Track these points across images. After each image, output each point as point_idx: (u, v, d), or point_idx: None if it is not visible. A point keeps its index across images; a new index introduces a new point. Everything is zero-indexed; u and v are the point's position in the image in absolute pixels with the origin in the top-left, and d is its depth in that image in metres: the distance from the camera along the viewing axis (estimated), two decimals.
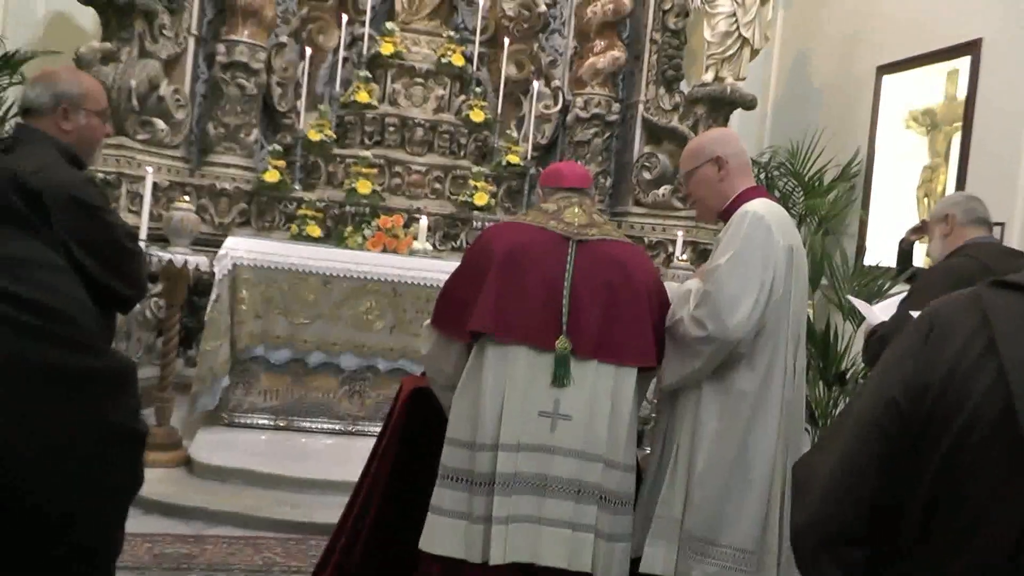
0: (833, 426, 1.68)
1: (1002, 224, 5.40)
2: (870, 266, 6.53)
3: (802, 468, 1.69)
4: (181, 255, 5.50)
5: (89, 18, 7.31)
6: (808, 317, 5.66)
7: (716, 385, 3.02)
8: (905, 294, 3.95)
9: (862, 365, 4.94)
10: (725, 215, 3.20)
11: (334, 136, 7.84)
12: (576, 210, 3.23)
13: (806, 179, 7.65)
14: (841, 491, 1.57)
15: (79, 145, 3.14)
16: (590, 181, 3.47)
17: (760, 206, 3.08)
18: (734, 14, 7.58)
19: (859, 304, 4.22)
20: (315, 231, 7.22)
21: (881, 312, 3.97)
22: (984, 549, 1.40)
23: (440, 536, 3.00)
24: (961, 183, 6.15)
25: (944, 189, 6.35)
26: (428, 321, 3.29)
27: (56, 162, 2.94)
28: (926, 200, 6.58)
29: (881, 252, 6.70)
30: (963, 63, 6.32)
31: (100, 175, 6.64)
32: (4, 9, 7.52)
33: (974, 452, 1.41)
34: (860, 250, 7.09)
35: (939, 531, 1.46)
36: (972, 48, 6.23)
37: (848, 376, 5.38)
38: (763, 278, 2.94)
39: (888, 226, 6.89)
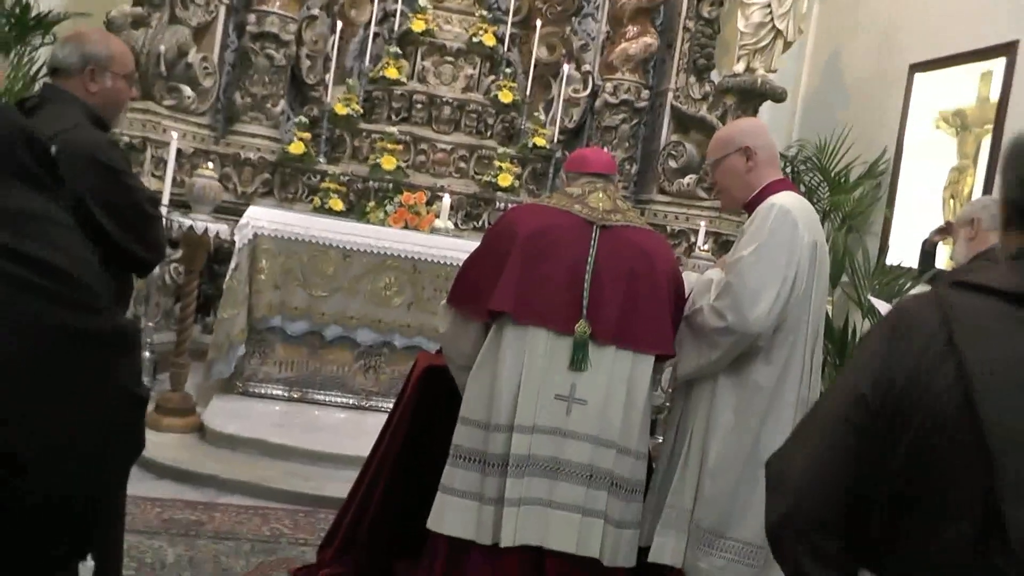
0: (805, 420, 1.73)
1: None
2: (892, 265, 6.49)
3: (776, 462, 1.71)
4: (202, 222, 5.50)
5: None
6: (827, 313, 5.64)
7: (732, 378, 3.01)
8: None
9: None
10: (750, 206, 3.17)
11: (361, 111, 7.83)
12: (601, 195, 3.22)
13: (832, 175, 7.61)
14: (814, 484, 1.62)
15: (104, 107, 3.13)
16: (615, 168, 3.45)
17: (787, 199, 3.05)
18: (769, 5, 7.52)
19: (880, 305, 4.18)
20: (338, 205, 7.22)
21: None
22: (948, 541, 1.45)
23: (450, 516, 3.01)
24: (989, 186, 6.10)
25: (971, 192, 6.30)
26: (445, 300, 3.29)
27: (81, 123, 2.93)
28: (952, 201, 6.53)
29: (904, 251, 6.66)
30: (998, 65, 6.26)
31: (125, 138, 6.65)
32: None
33: (935, 447, 1.47)
34: (883, 249, 7.04)
35: (906, 524, 1.52)
36: (1008, 50, 6.17)
37: None
38: (786, 273, 2.92)
39: (912, 226, 6.84)
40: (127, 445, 1.77)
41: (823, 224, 7.34)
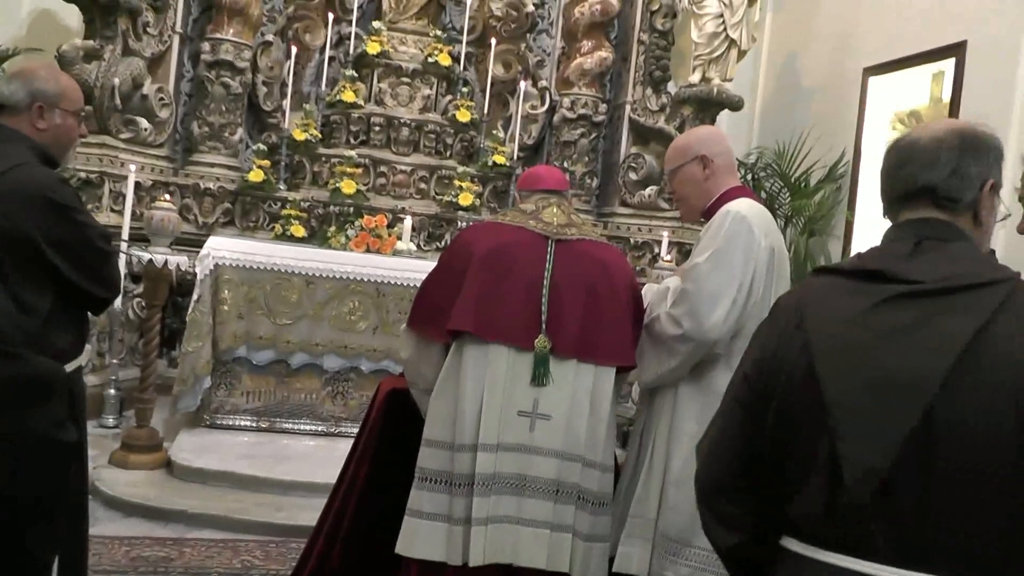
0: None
1: None
2: None
3: (698, 443, 2.00)
4: (161, 255, 5.46)
5: (73, 16, 7.27)
6: None
7: (693, 385, 3.00)
8: None
9: None
10: (708, 214, 3.17)
11: (319, 136, 7.82)
12: (555, 210, 3.21)
13: (792, 180, 7.65)
14: (712, 455, 1.92)
15: (53, 145, 3.05)
16: (567, 184, 3.45)
17: (743, 206, 3.05)
18: (721, 15, 7.57)
19: None
20: (299, 231, 7.18)
21: None
22: (810, 493, 1.67)
23: (420, 539, 2.97)
24: None
25: None
26: (405, 325, 3.26)
27: (28, 161, 2.86)
28: None
29: None
30: (948, 65, 6.32)
31: (83, 174, 6.61)
32: None
33: (793, 409, 1.72)
34: (846, 251, 7.08)
35: (785, 482, 1.74)
36: (957, 50, 6.23)
37: None
38: (742, 279, 2.92)
39: (874, 227, 6.87)
40: (50, 493, 1.72)
41: (785, 229, 7.47)
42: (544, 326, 2.99)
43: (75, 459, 1.89)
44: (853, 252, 6.85)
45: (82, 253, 2.89)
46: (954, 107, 6.21)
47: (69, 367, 2.89)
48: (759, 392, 1.80)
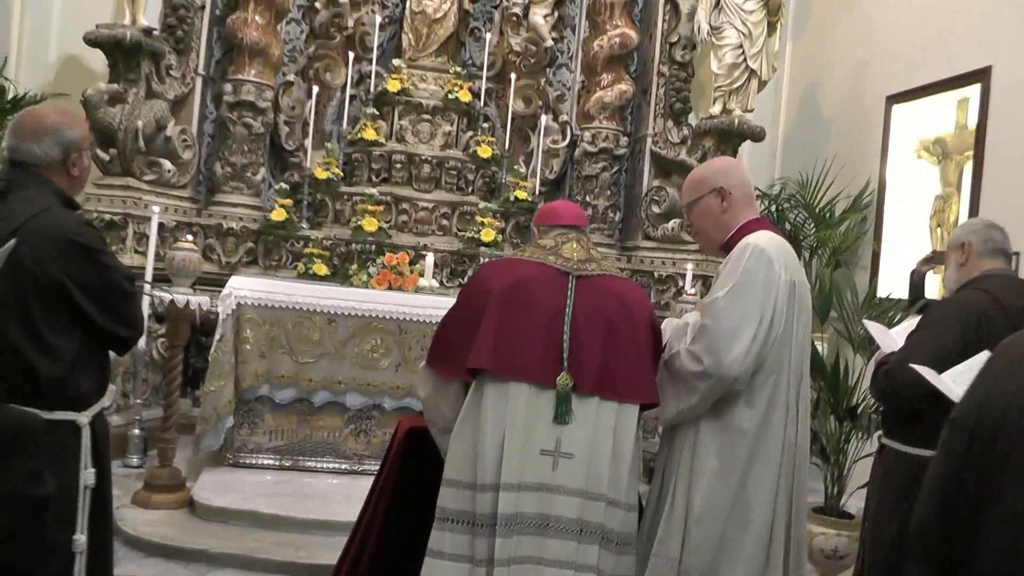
0: None
1: (1016, 254, 5.31)
2: (882, 298, 6.43)
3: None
4: (183, 295, 5.46)
5: (98, 60, 7.32)
6: (817, 350, 5.57)
7: (714, 422, 2.96)
8: (914, 327, 3.85)
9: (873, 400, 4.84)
10: (727, 247, 3.13)
11: (341, 174, 7.84)
12: (574, 245, 3.19)
13: (817, 211, 7.58)
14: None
15: (77, 185, 3.10)
16: (585, 219, 3.42)
17: (762, 239, 3.01)
18: (741, 46, 7.55)
19: (874, 329, 4.10)
20: (322, 269, 7.18)
21: (898, 337, 3.87)
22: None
23: None
24: (974, 212, 6.06)
25: (957, 219, 6.27)
26: (423, 363, 3.23)
27: (52, 206, 2.90)
28: (939, 230, 6.49)
29: (893, 283, 6.62)
30: (973, 91, 6.26)
31: (107, 216, 6.63)
32: (16, 51, 7.58)
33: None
34: (872, 282, 7.00)
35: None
36: (982, 76, 6.16)
37: (859, 411, 5.27)
38: (762, 313, 2.88)
39: (901, 257, 6.81)
40: (24, 550, 1.67)
41: (811, 261, 7.40)
42: (566, 363, 2.96)
43: (46, 512, 1.86)
44: (880, 283, 6.82)
45: (107, 295, 2.93)
46: (980, 133, 6.14)
47: (94, 409, 2.96)
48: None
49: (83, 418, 2.92)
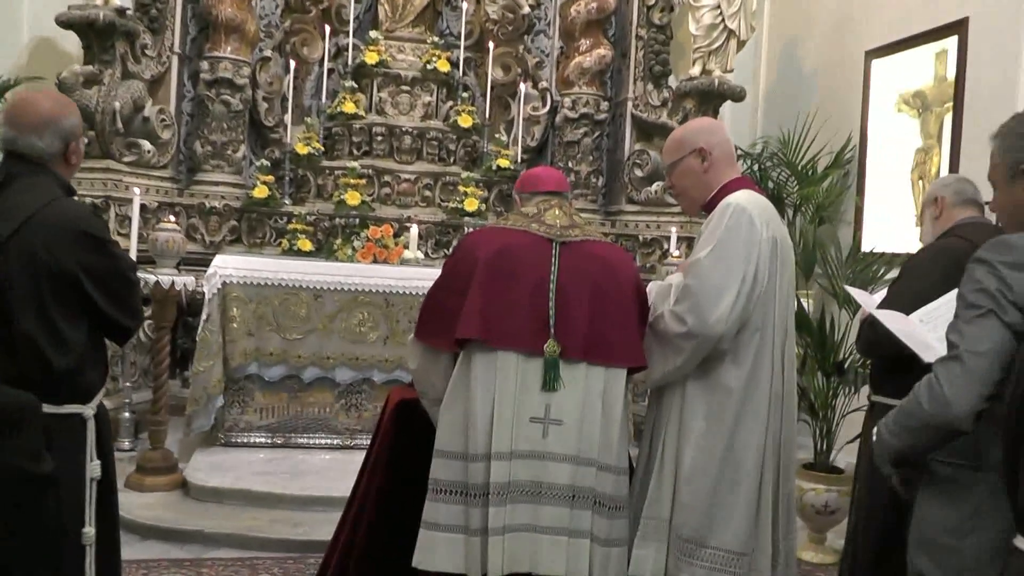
0: None
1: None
2: (866, 253, 6.45)
3: None
4: (168, 276, 5.45)
5: (72, 43, 7.24)
6: (803, 307, 5.59)
7: (701, 382, 2.97)
8: (896, 277, 3.88)
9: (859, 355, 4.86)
10: (709, 207, 3.14)
11: (322, 148, 7.79)
12: (557, 211, 3.19)
13: (799, 168, 7.58)
14: None
15: (73, 172, 3.10)
16: (567, 184, 3.42)
17: (743, 197, 3.02)
18: (719, 6, 7.51)
19: (856, 294, 4.13)
20: (306, 245, 7.15)
21: (879, 300, 3.90)
22: None
23: (439, 552, 2.94)
24: (954, 164, 6.08)
25: (938, 171, 6.28)
26: (412, 335, 3.24)
27: (58, 196, 2.91)
28: (921, 183, 6.50)
29: (877, 238, 6.63)
30: (951, 43, 6.25)
31: (88, 199, 6.59)
32: None
33: None
34: (857, 237, 7.01)
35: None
36: (959, 28, 6.15)
37: (846, 366, 5.30)
38: (745, 271, 2.89)
39: (884, 211, 6.82)
40: (30, 524, 1.69)
41: (795, 218, 7.41)
42: (552, 330, 2.97)
43: (51, 490, 1.90)
44: (865, 237, 6.84)
45: (116, 284, 2.95)
46: (959, 85, 6.13)
47: (96, 400, 2.99)
48: None
49: (88, 410, 2.94)
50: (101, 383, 3.04)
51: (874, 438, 2.42)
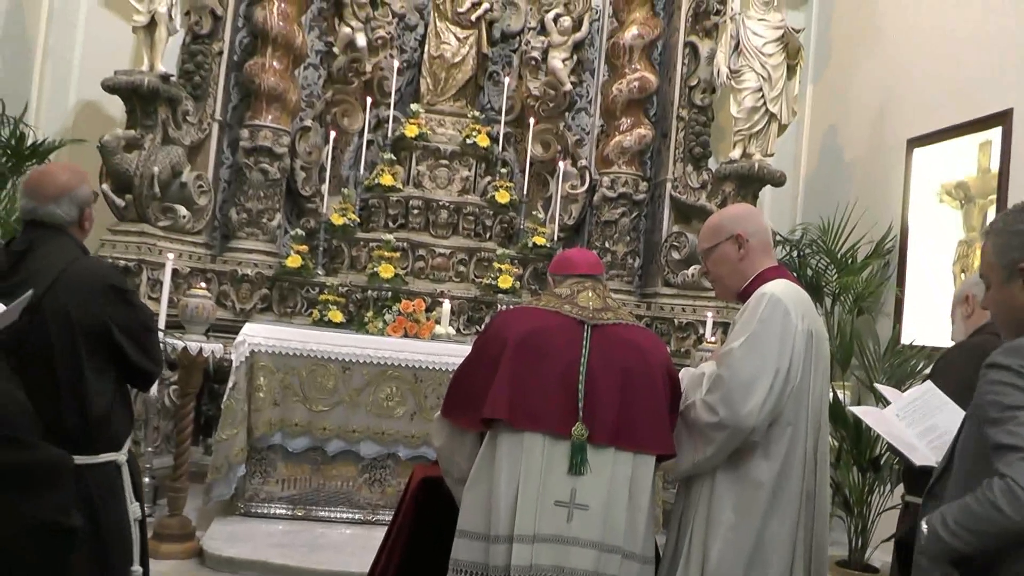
0: None
1: None
2: (904, 346, 6.33)
3: None
4: (196, 342, 5.42)
5: (117, 107, 7.36)
6: (839, 400, 5.47)
7: (730, 474, 2.92)
8: (929, 374, 3.81)
9: None
10: (744, 295, 3.10)
11: (358, 220, 7.80)
12: (590, 294, 3.17)
13: (839, 256, 7.50)
14: None
15: (87, 235, 3.31)
16: (601, 267, 3.39)
17: (778, 287, 2.98)
18: (760, 89, 7.51)
19: (886, 391, 4.05)
20: (337, 316, 7.12)
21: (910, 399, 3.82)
22: None
23: None
24: None
25: None
26: (438, 413, 3.19)
27: (79, 255, 3.12)
28: (963, 275, 6.39)
29: (917, 330, 6.51)
30: (995, 134, 6.19)
31: (122, 262, 6.60)
32: (37, 97, 7.68)
33: None
34: (896, 329, 6.89)
35: None
36: (1003, 119, 6.10)
37: (882, 463, 5.18)
38: (779, 364, 2.85)
39: (925, 303, 6.71)
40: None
41: (833, 307, 7.30)
42: (581, 413, 2.92)
43: (79, 545, 2.02)
44: (904, 330, 6.71)
45: (141, 334, 3.17)
46: (1003, 177, 6.06)
47: (127, 444, 3.22)
48: None
49: (121, 456, 3.15)
50: (129, 429, 3.24)
51: (923, 536, 2.31)
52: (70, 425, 2.92)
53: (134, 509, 3.19)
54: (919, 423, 3.21)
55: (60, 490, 1.89)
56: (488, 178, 8.21)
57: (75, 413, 2.94)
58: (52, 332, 2.93)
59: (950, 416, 3.15)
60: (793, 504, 2.89)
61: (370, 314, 7.16)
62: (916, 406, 3.26)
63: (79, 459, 2.90)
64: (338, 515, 6.09)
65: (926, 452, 3.10)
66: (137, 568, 3.17)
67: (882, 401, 5.21)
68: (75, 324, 2.95)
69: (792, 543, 2.90)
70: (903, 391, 4.01)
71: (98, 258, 3.37)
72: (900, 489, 4.16)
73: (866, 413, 3.31)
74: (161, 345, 5.80)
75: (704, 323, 7.27)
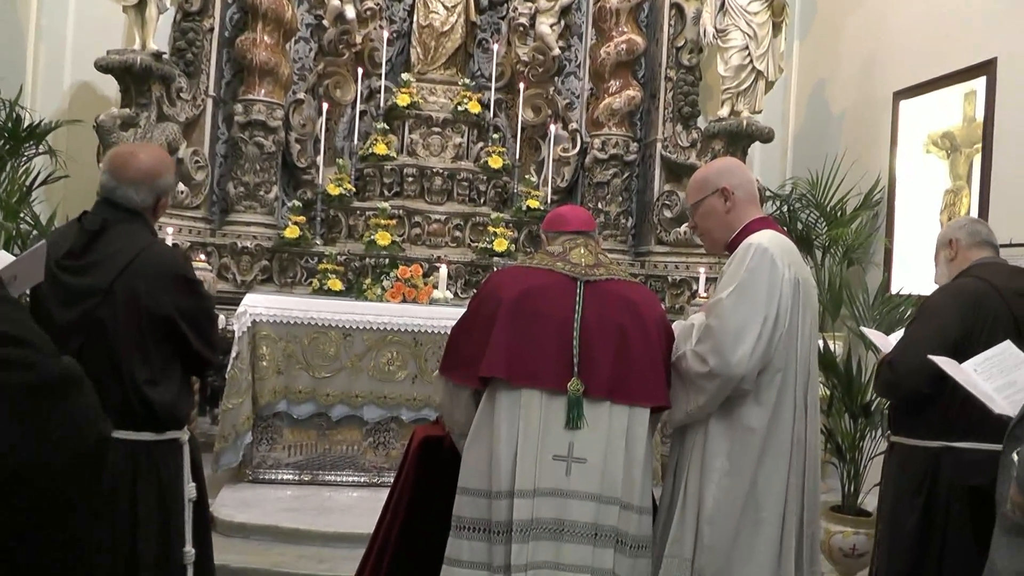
0: None
1: (1022, 245, 5.32)
2: (893, 295, 6.42)
3: None
4: None
5: (111, 86, 7.40)
6: (830, 349, 5.57)
7: (723, 422, 2.97)
8: (912, 318, 3.89)
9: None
10: (731, 247, 3.14)
11: (353, 189, 7.87)
12: (582, 251, 3.20)
13: (828, 209, 7.58)
14: None
15: (158, 220, 3.34)
16: (593, 224, 3.43)
17: (765, 238, 3.02)
18: (746, 47, 7.56)
19: (872, 335, 4.14)
20: (336, 285, 7.20)
21: (894, 341, 3.90)
22: None
23: None
24: (984, 204, 6.06)
25: (968, 211, 6.26)
26: (437, 370, 3.27)
27: (153, 240, 3.16)
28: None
29: (906, 279, 6.60)
30: (979, 84, 6.26)
31: None
32: (32, 79, 7.66)
33: None
34: (886, 279, 6.98)
35: None
36: (987, 68, 6.16)
37: (873, 408, 5.26)
38: (767, 312, 2.89)
39: (913, 252, 6.80)
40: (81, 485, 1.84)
41: (823, 259, 7.39)
42: (576, 369, 2.98)
43: (107, 451, 2.11)
44: (893, 279, 6.81)
45: (204, 322, 3.23)
46: (987, 126, 6.13)
47: (188, 425, 3.25)
48: None
49: (183, 435, 3.19)
50: (190, 409, 3.36)
51: (1015, 465, 2.41)
52: (134, 408, 2.97)
53: (190, 489, 3.20)
54: (997, 378, 3.26)
55: (77, 396, 1.96)
56: (480, 144, 8.27)
57: (139, 398, 2.97)
58: (121, 316, 2.96)
59: None
60: (785, 449, 2.95)
61: (368, 281, 7.24)
62: (993, 363, 3.30)
63: (145, 436, 3.01)
64: (344, 478, 6.20)
65: (1004, 404, 3.16)
66: (189, 549, 3.17)
67: (872, 348, 5.34)
68: (144, 313, 2.98)
69: (785, 487, 2.95)
70: (890, 336, 4.11)
71: (169, 246, 3.38)
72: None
73: (945, 363, 3.36)
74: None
75: (697, 279, 7.36)
